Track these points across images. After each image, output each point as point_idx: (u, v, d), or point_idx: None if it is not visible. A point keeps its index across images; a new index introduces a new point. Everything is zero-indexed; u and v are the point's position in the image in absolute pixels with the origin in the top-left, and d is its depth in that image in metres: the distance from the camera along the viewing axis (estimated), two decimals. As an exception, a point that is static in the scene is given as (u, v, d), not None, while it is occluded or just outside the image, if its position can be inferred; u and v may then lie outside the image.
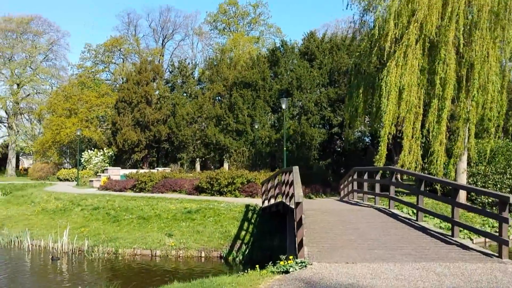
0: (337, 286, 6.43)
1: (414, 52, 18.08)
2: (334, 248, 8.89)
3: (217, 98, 38.86)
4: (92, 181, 33.21)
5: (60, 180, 44.22)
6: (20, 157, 73.31)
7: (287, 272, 7.25)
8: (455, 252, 8.78)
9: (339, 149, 35.86)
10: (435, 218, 14.49)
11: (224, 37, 57.32)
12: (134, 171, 30.83)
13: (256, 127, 32.91)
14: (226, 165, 36.59)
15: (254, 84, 34.76)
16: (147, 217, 18.56)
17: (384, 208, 14.42)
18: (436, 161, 17.93)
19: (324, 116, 32.93)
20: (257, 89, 34.73)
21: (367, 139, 36.50)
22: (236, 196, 22.68)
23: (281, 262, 7.59)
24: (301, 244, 7.97)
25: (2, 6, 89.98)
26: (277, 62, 35.74)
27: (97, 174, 35.97)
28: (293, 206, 11.68)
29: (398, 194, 20.12)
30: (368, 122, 26.13)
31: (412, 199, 15.39)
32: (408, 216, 13.20)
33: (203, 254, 15.35)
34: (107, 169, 34.83)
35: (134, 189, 26.52)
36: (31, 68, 64.21)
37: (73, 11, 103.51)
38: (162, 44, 59.07)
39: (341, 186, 19.68)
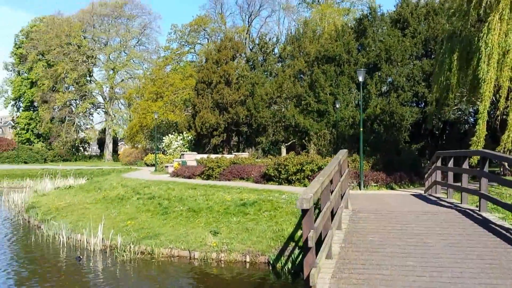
0: None
1: (526, 2, 13.96)
2: (373, 285, 5.84)
3: (299, 76, 35.86)
4: (167, 166, 32.12)
5: (147, 165, 44.24)
6: (118, 142, 75.92)
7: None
8: None
9: (436, 131, 31.37)
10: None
11: (313, 11, 53.76)
12: (206, 156, 29.12)
13: (338, 106, 29.51)
14: (312, 151, 33.72)
15: (338, 58, 31.31)
16: (198, 210, 16.39)
17: (472, 210, 10.66)
18: None
19: (417, 93, 28.79)
20: (340, 63, 31.27)
21: (471, 119, 31.84)
22: (305, 185, 19.82)
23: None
24: (307, 282, 5.09)
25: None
26: (364, 32, 31.89)
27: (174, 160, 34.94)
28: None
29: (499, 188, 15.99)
30: (465, 98, 21.77)
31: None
32: (508, 225, 9.29)
33: (247, 259, 12.76)
34: (183, 154, 33.60)
35: (202, 176, 24.75)
36: (125, 53, 65.66)
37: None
38: (248, 21, 57.02)
39: (426, 176, 15.94)
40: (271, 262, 12.44)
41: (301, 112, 32.04)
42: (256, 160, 26.51)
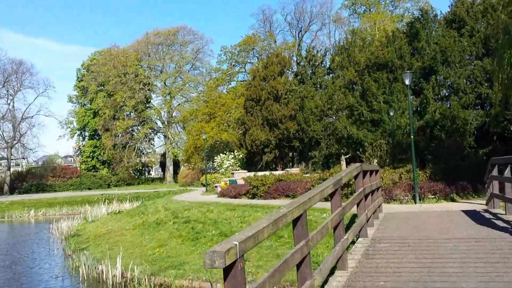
0: None
1: None
2: None
3: (350, 86, 34.12)
4: (217, 186, 31.26)
5: (203, 185, 43.72)
6: (180, 164, 76.67)
7: None
8: None
9: (507, 134, 28.36)
10: None
11: (363, 19, 51.77)
12: (255, 174, 27.97)
13: (392, 114, 27.49)
14: (375, 161, 31.56)
15: (390, 64, 29.36)
16: (230, 234, 15.02)
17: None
18: None
19: (480, 94, 26.21)
20: (393, 70, 29.28)
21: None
22: (353, 202, 18.09)
23: None
24: None
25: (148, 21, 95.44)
26: (416, 35, 29.76)
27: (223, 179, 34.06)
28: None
29: None
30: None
31: None
32: None
33: (275, 289, 11.16)
34: (233, 173, 32.67)
35: (248, 195, 23.56)
36: (181, 78, 66.66)
37: (212, 17, 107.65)
38: (299, 37, 55.91)
39: (485, 186, 13.58)
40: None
41: (353, 123, 30.25)
42: (304, 175, 24.99)
